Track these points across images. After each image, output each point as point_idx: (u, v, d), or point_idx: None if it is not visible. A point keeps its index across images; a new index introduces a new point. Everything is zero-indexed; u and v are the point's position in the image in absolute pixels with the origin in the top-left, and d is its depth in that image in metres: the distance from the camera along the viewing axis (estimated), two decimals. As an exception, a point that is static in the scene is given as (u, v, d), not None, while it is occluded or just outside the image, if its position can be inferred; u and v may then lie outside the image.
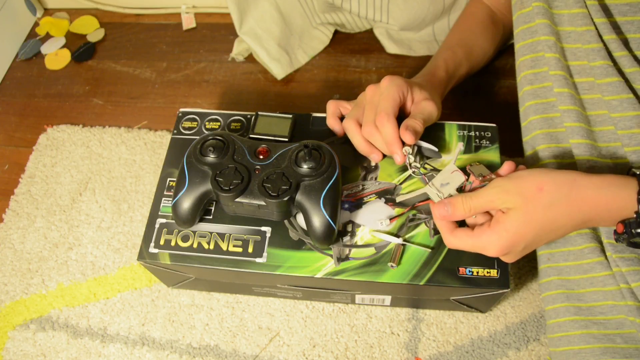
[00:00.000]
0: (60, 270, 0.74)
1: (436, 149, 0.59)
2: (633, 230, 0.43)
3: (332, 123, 0.62)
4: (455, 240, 0.48)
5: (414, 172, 0.58)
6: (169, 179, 0.62)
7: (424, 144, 0.59)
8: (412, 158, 0.57)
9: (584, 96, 0.50)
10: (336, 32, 0.93)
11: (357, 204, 0.58)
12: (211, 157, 0.55)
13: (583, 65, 0.49)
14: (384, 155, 0.59)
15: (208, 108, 0.88)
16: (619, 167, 0.49)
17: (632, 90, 0.48)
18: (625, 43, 0.48)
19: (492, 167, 0.59)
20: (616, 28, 0.48)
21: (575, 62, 0.50)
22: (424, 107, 0.57)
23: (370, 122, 0.56)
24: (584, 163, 0.49)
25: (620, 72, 0.48)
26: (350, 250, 0.56)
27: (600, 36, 0.48)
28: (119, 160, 0.83)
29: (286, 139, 0.61)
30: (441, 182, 0.53)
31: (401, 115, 0.57)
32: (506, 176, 0.47)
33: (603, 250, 0.49)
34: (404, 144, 0.55)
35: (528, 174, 0.46)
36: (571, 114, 0.49)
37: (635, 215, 0.43)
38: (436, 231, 0.56)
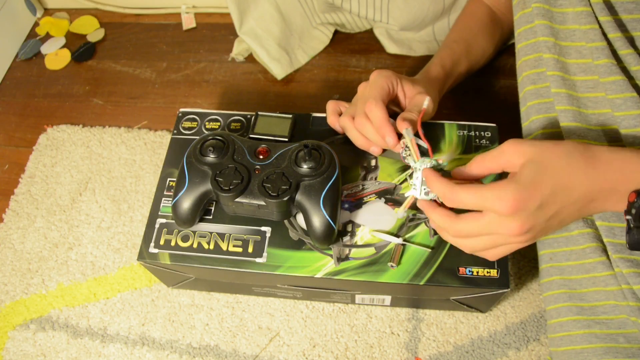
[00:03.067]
0: (60, 270, 0.74)
1: (426, 147, 0.57)
2: None
3: (333, 121, 0.62)
4: (463, 193, 0.44)
5: (407, 162, 0.57)
6: (169, 179, 0.62)
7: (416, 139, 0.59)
8: (408, 147, 0.55)
9: (588, 94, 0.49)
10: (336, 32, 0.93)
11: (357, 204, 0.58)
12: (211, 157, 0.55)
13: (588, 64, 0.49)
14: (384, 150, 0.59)
15: (208, 108, 0.88)
16: None
17: (637, 88, 0.48)
18: (631, 41, 0.48)
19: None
20: (621, 26, 0.48)
21: (581, 60, 0.49)
22: (418, 100, 0.57)
23: (360, 114, 0.56)
24: None
25: (625, 71, 0.48)
26: (350, 250, 0.56)
27: (604, 34, 0.48)
28: (119, 160, 0.83)
29: (286, 139, 0.61)
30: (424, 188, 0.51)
31: (397, 114, 0.57)
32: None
33: (605, 250, 0.49)
34: (400, 137, 0.54)
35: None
36: (567, 114, 0.49)
37: None
38: (436, 231, 0.56)
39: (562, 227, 0.45)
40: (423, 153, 0.57)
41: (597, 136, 0.49)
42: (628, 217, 0.42)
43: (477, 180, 0.48)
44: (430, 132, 0.61)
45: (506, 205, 0.41)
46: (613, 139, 0.49)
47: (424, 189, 0.51)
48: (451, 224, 0.46)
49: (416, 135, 0.55)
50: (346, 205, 0.58)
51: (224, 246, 0.57)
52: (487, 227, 0.44)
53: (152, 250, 0.58)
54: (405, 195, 0.57)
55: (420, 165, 0.51)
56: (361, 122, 0.56)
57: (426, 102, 0.56)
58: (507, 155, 0.44)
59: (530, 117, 0.54)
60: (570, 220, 0.45)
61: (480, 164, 0.46)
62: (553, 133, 0.52)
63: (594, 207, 0.44)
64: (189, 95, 0.90)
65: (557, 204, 0.43)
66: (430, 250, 0.55)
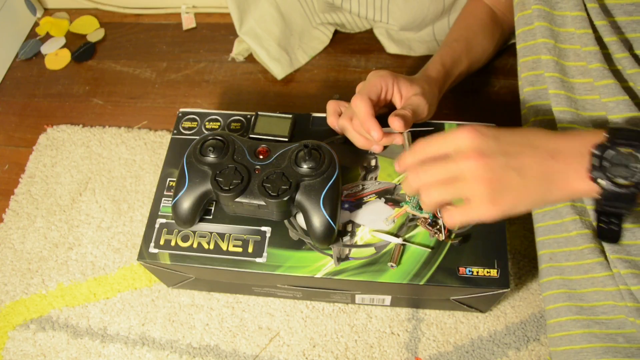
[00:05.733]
0: (60, 270, 0.74)
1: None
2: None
3: (332, 122, 0.62)
4: (423, 143, 0.45)
5: None
6: (169, 179, 0.62)
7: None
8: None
9: (586, 97, 0.50)
10: (336, 32, 0.93)
11: (357, 203, 0.58)
12: (211, 157, 0.55)
13: (585, 66, 0.49)
14: (385, 147, 0.60)
15: (208, 108, 0.88)
16: None
17: (630, 91, 0.48)
18: (630, 43, 0.48)
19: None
20: (617, 29, 0.48)
21: (579, 63, 0.50)
22: (413, 101, 0.57)
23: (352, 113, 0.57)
24: None
25: (619, 74, 0.48)
26: (350, 250, 0.56)
27: (598, 39, 0.48)
28: (119, 160, 0.83)
29: (286, 139, 0.61)
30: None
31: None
32: None
33: (603, 251, 0.49)
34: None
35: None
36: (566, 115, 0.50)
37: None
38: (435, 232, 0.56)
39: (526, 179, 0.43)
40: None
41: None
42: (591, 167, 0.41)
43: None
44: (430, 132, 0.61)
45: (464, 130, 0.43)
46: None
47: (418, 204, 0.54)
48: (417, 143, 0.46)
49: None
50: (346, 205, 0.58)
51: (224, 246, 0.57)
52: (443, 144, 0.44)
53: (152, 250, 0.58)
54: (400, 204, 0.57)
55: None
56: (355, 121, 0.57)
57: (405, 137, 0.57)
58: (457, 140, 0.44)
59: (529, 118, 0.54)
60: (533, 172, 0.43)
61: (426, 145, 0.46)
62: None
63: (556, 167, 0.43)
64: (189, 95, 0.90)
65: (517, 145, 0.43)
66: (430, 250, 0.55)
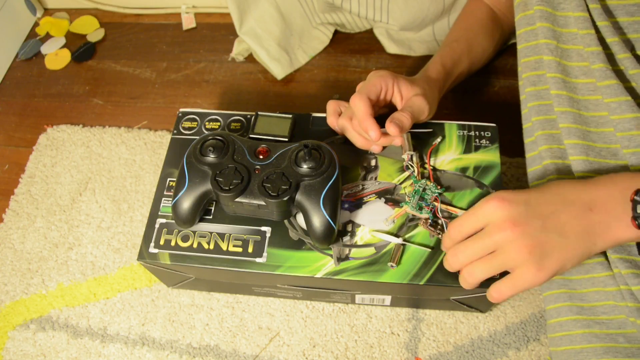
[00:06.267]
0: (60, 270, 0.74)
1: (411, 152, 0.59)
2: None
3: (332, 122, 0.62)
4: (455, 221, 0.46)
5: (411, 170, 0.58)
6: (169, 179, 0.62)
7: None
8: (412, 159, 0.58)
9: (589, 97, 0.50)
10: (336, 32, 0.93)
11: (357, 203, 0.58)
12: (211, 157, 0.55)
13: (588, 67, 0.49)
14: (384, 147, 0.60)
15: (208, 108, 0.88)
16: (619, 168, 0.49)
17: (632, 91, 0.48)
18: (632, 44, 0.49)
19: (492, 167, 0.59)
20: (618, 29, 0.48)
21: (582, 63, 0.50)
22: (414, 102, 0.57)
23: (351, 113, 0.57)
24: (580, 163, 0.49)
25: (621, 74, 0.48)
26: (350, 250, 0.56)
27: (600, 39, 0.48)
28: (119, 160, 0.83)
29: (286, 139, 0.61)
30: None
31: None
32: None
33: (603, 251, 0.49)
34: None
35: None
36: (568, 116, 0.50)
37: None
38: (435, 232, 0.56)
39: (567, 238, 0.43)
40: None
41: (596, 138, 0.49)
42: (636, 214, 0.41)
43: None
44: (430, 134, 0.61)
45: (493, 204, 0.42)
46: (612, 141, 0.49)
47: (419, 204, 0.55)
48: (450, 225, 0.47)
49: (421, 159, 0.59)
50: (346, 205, 0.58)
51: (224, 246, 0.57)
52: (475, 220, 0.44)
53: (152, 250, 0.58)
54: (400, 205, 0.57)
55: (419, 186, 0.56)
56: (355, 121, 0.57)
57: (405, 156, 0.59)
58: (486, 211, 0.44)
59: (531, 118, 0.54)
60: (573, 229, 0.43)
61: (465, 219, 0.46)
62: (553, 135, 0.52)
63: (596, 219, 0.43)
64: (189, 95, 0.90)
65: (550, 204, 0.43)
66: (430, 250, 0.55)
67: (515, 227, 0.42)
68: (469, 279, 0.46)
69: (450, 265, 0.48)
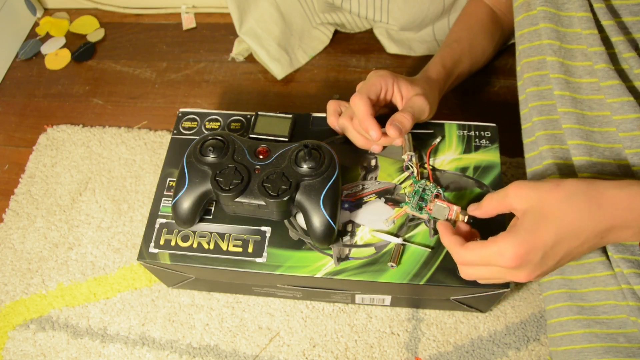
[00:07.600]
0: (60, 270, 0.74)
1: (411, 153, 0.59)
2: None
3: (332, 122, 0.62)
4: (467, 253, 0.46)
5: (411, 172, 0.58)
6: (169, 179, 0.62)
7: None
8: (412, 159, 0.58)
9: (593, 96, 0.50)
10: (336, 32, 0.93)
11: (357, 203, 0.58)
12: (211, 157, 0.55)
13: (591, 66, 0.49)
14: (385, 147, 0.60)
15: (208, 108, 0.88)
16: (622, 169, 0.49)
17: (636, 91, 0.48)
18: (635, 43, 0.49)
19: (492, 167, 0.59)
20: (623, 29, 0.49)
21: (586, 63, 0.50)
22: (414, 102, 0.57)
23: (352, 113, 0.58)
24: (583, 163, 0.49)
25: (624, 74, 0.48)
26: (350, 250, 0.56)
27: (604, 39, 0.48)
28: (119, 160, 0.83)
29: (286, 139, 0.61)
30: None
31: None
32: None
33: (604, 251, 0.49)
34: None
35: (545, 179, 0.46)
36: (571, 116, 0.50)
37: None
38: (436, 231, 0.56)
39: (573, 259, 0.45)
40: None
41: (599, 138, 0.49)
42: None
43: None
44: (430, 135, 0.61)
45: (508, 260, 0.43)
46: (615, 141, 0.49)
47: (419, 204, 0.55)
48: (457, 251, 0.47)
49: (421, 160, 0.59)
50: (346, 205, 0.58)
51: (224, 246, 0.57)
52: (493, 262, 0.45)
53: (152, 250, 0.58)
54: (400, 205, 0.57)
55: (419, 186, 0.56)
56: (355, 120, 0.57)
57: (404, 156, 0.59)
58: (510, 198, 0.45)
59: (532, 118, 0.54)
60: (583, 255, 0.46)
61: (489, 204, 0.48)
62: (555, 135, 0.52)
63: (606, 241, 0.44)
64: (189, 95, 0.90)
65: (563, 249, 0.43)
66: (430, 250, 0.55)
67: (529, 275, 0.44)
68: (467, 278, 0.49)
69: (461, 273, 0.49)
